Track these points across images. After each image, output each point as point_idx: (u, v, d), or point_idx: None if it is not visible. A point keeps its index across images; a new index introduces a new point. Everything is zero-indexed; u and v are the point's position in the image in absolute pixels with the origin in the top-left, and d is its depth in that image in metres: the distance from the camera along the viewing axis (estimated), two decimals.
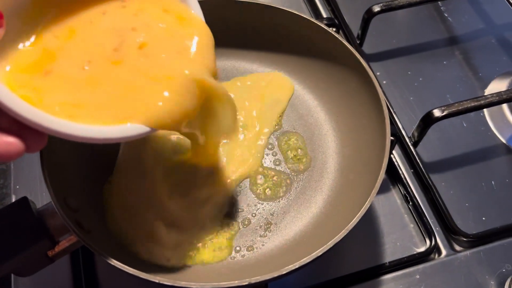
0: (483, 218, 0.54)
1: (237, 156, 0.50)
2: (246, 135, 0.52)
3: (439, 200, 0.53)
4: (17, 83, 0.31)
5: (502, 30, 0.70)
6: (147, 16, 0.36)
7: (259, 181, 0.50)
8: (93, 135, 0.31)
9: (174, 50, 0.35)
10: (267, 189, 0.49)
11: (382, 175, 0.41)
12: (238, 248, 0.46)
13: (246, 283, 0.36)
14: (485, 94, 0.62)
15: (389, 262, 0.50)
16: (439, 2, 0.72)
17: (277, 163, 0.51)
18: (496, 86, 0.64)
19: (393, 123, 0.59)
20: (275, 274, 0.37)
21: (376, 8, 0.62)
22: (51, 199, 0.39)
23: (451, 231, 0.52)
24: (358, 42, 0.66)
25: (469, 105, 0.53)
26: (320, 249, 0.38)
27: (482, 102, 0.53)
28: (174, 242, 0.45)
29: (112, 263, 0.37)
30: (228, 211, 0.48)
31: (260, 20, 0.54)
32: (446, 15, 0.71)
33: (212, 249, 0.45)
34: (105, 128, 0.32)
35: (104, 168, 0.48)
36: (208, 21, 0.37)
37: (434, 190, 0.54)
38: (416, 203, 0.54)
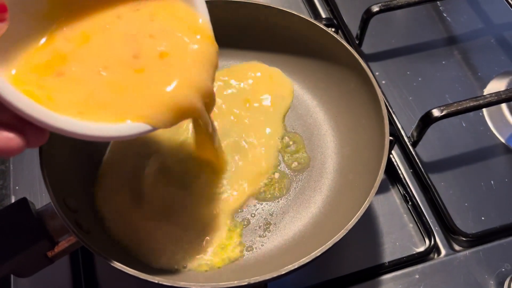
0: (482, 218, 0.54)
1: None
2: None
3: (438, 200, 0.53)
4: (23, 81, 0.31)
5: (501, 30, 0.70)
6: (163, 23, 0.36)
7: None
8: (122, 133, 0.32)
9: (192, 62, 0.35)
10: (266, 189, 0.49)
11: (381, 175, 0.41)
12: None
13: (246, 283, 0.36)
14: (484, 94, 0.63)
15: (389, 262, 0.50)
16: (438, 2, 0.72)
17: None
18: (495, 86, 0.64)
19: (392, 123, 0.59)
20: (275, 274, 0.37)
21: (375, 8, 0.62)
22: (51, 200, 0.39)
23: (450, 231, 0.52)
24: (357, 42, 0.66)
25: (468, 105, 0.53)
26: (319, 249, 0.38)
27: (481, 102, 0.54)
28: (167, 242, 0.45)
29: (111, 264, 0.37)
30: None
31: (259, 21, 0.54)
32: (445, 15, 0.72)
33: (218, 252, 0.45)
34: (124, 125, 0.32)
35: None
36: None
37: (433, 190, 0.54)
38: (416, 203, 0.54)
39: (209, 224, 0.46)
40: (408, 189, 0.54)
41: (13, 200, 0.53)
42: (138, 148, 0.49)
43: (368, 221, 0.53)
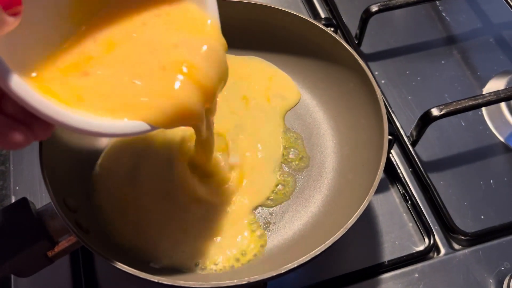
0: (482, 217, 0.54)
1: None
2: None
3: (438, 199, 0.54)
4: (45, 78, 0.31)
5: (500, 29, 0.70)
6: (186, 32, 0.36)
7: None
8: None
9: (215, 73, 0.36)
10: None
11: (380, 174, 0.41)
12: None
13: (245, 282, 0.36)
14: (483, 93, 0.63)
15: (388, 261, 0.50)
16: (436, 2, 0.72)
17: None
18: (494, 85, 0.64)
19: (391, 122, 0.59)
20: (274, 273, 0.37)
21: (374, 8, 0.62)
22: (51, 200, 0.39)
23: (449, 230, 0.52)
24: (356, 42, 0.66)
25: (467, 104, 0.53)
26: (319, 248, 0.38)
27: (480, 101, 0.54)
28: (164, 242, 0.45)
29: (111, 264, 0.37)
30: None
31: (258, 21, 0.54)
32: (444, 14, 0.72)
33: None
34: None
35: None
36: None
37: (433, 189, 0.54)
38: (415, 202, 0.54)
39: (209, 225, 0.46)
40: (408, 188, 0.55)
41: (13, 200, 0.53)
42: (138, 148, 0.49)
43: (367, 220, 0.53)
